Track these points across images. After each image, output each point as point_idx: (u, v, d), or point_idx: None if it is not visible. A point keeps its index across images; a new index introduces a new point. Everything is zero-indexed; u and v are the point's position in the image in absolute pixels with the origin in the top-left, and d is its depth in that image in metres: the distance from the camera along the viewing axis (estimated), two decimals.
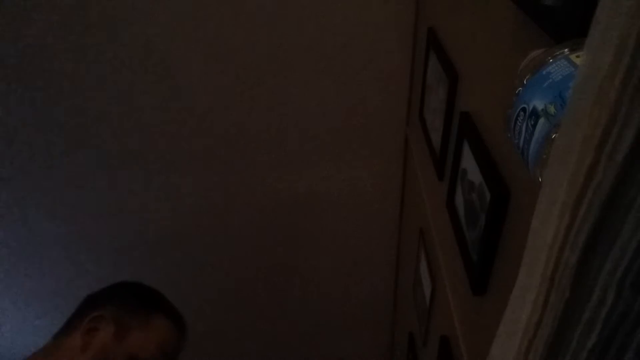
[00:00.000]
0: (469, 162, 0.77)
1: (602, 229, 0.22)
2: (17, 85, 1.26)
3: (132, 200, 1.51)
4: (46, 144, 1.36)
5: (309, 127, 1.43)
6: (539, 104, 0.36)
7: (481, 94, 0.76)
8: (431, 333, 1.19)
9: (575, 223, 0.23)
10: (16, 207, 1.47)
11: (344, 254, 1.77)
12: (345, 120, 1.42)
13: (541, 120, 0.35)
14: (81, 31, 1.20)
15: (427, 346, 1.24)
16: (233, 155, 1.46)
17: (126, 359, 0.85)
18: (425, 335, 1.25)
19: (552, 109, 0.34)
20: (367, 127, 1.45)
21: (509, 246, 0.64)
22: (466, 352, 0.83)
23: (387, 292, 1.93)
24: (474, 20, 0.80)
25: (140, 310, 0.90)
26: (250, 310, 1.92)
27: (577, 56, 0.35)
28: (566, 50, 0.37)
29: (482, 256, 0.70)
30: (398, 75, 1.36)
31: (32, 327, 1.78)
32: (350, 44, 1.28)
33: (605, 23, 0.21)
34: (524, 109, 0.38)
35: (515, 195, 0.61)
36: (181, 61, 1.27)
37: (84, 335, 0.84)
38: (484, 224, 0.69)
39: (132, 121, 1.36)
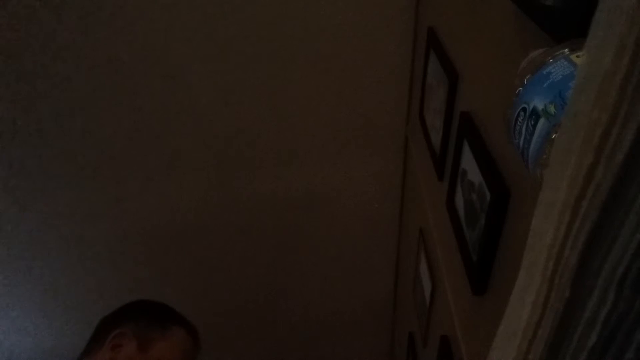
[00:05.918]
0: (469, 162, 0.77)
1: (602, 229, 0.21)
2: (16, 85, 1.26)
3: (131, 200, 1.51)
4: (46, 144, 1.36)
5: (309, 127, 1.43)
6: (539, 104, 0.36)
7: (481, 94, 0.76)
8: (431, 333, 1.19)
9: (575, 223, 0.23)
10: (16, 208, 1.47)
11: (343, 254, 1.77)
12: (345, 120, 1.42)
13: (541, 120, 0.35)
14: (81, 31, 1.20)
15: (427, 346, 1.24)
16: (232, 155, 1.46)
17: None
18: (425, 335, 1.25)
19: (552, 109, 0.34)
20: (367, 127, 1.45)
21: (509, 246, 0.64)
22: (466, 352, 0.83)
23: (387, 292, 1.93)
24: (474, 20, 0.80)
25: (156, 323, 0.95)
26: (249, 310, 1.92)
27: (577, 56, 0.35)
28: (566, 50, 0.37)
29: (482, 256, 0.70)
30: (398, 75, 1.36)
31: (32, 327, 1.78)
32: (350, 44, 1.28)
33: (605, 23, 0.21)
34: (524, 109, 0.38)
35: (515, 195, 0.61)
36: (181, 61, 1.27)
37: (109, 352, 0.87)
38: (484, 224, 0.69)
39: (132, 121, 1.36)
